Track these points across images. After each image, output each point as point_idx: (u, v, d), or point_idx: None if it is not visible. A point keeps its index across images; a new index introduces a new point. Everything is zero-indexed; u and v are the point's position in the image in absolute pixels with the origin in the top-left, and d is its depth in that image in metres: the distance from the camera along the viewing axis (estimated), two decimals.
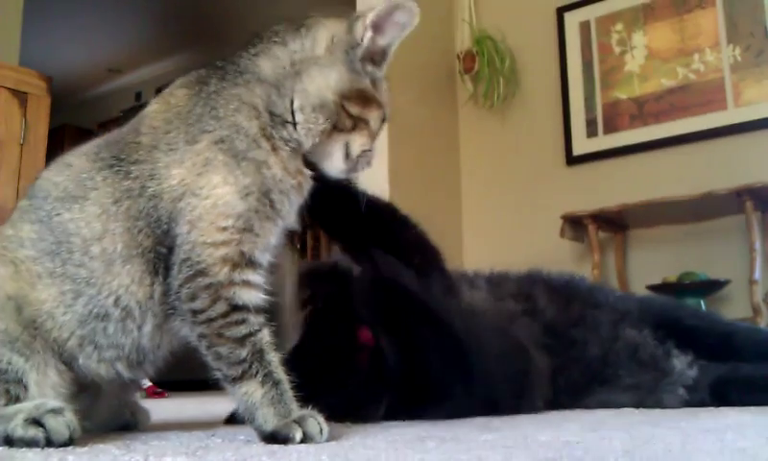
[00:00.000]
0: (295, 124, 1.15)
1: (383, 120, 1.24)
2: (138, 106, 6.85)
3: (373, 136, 1.22)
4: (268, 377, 1.04)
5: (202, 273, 1.05)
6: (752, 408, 1.50)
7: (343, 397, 1.41)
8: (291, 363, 1.14)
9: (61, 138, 7.76)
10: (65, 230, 1.10)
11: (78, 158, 1.17)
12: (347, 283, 1.50)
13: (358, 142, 1.19)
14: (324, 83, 1.16)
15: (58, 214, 1.11)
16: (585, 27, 4.35)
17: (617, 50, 4.23)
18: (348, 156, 1.20)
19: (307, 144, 1.16)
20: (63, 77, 7.56)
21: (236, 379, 1.04)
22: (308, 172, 1.18)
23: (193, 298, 1.06)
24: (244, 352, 1.04)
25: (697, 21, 3.99)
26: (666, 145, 3.97)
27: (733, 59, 3.85)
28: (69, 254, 1.09)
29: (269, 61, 1.17)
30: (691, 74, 3.97)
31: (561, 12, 4.44)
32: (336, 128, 1.17)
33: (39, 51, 6.77)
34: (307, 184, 1.18)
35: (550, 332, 1.59)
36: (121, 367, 1.13)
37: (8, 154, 2.93)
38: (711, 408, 1.55)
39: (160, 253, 1.09)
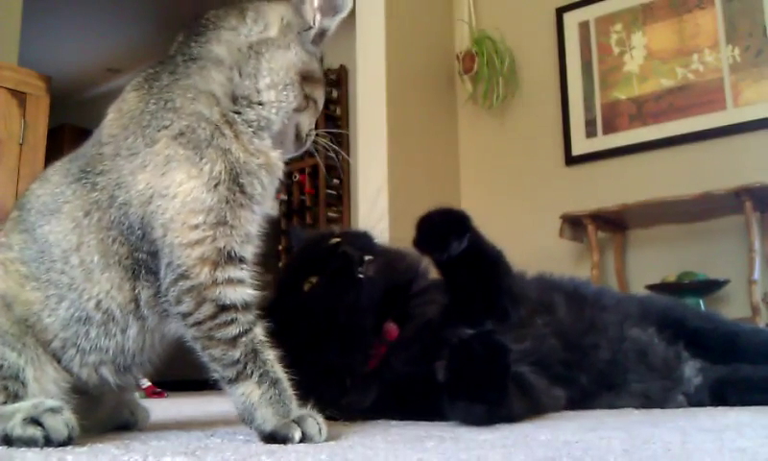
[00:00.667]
0: (262, 104, 1.16)
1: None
2: None
3: (317, 115, 1.26)
4: (264, 377, 1.04)
5: (183, 276, 1.05)
6: (751, 408, 1.50)
7: (341, 369, 1.45)
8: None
9: (61, 138, 7.77)
10: (47, 240, 1.11)
11: (54, 173, 1.18)
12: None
13: (307, 121, 1.23)
14: (288, 62, 1.18)
15: (39, 226, 1.12)
16: (584, 27, 4.35)
17: (616, 50, 4.23)
18: (298, 136, 1.23)
19: (278, 123, 1.17)
20: (63, 77, 7.57)
21: (232, 381, 1.04)
22: (277, 152, 1.17)
23: (179, 301, 1.05)
24: (237, 353, 1.04)
25: (696, 21, 3.99)
26: (665, 145, 3.97)
27: (732, 59, 3.86)
28: (51, 263, 1.10)
29: (222, 46, 1.17)
30: (690, 74, 3.97)
31: (560, 12, 4.44)
32: (294, 108, 1.20)
33: (38, 51, 6.77)
34: (278, 162, 1.17)
35: (568, 344, 1.57)
36: (106, 371, 1.12)
37: (7, 153, 2.92)
38: (711, 408, 1.55)
39: (139, 258, 1.08)
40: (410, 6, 4.37)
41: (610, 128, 4.18)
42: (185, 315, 1.05)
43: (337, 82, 6.41)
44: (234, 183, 1.08)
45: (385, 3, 4.10)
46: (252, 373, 1.03)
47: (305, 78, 1.20)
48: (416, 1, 4.49)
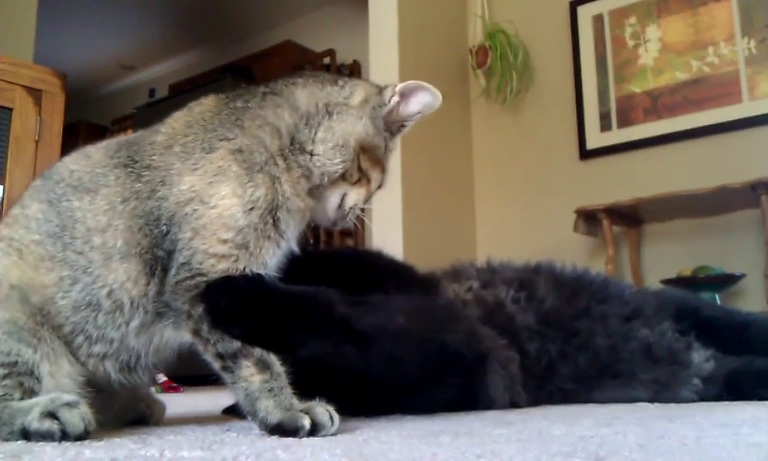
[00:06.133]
0: (312, 154, 1.19)
1: (380, 185, 1.31)
2: (152, 102, 6.89)
3: (369, 196, 1.29)
4: (264, 364, 1.04)
5: (202, 275, 1.07)
6: (767, 403, 1.49)
7: None
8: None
9: (76, 135, 7.82)
10: (72, 216, 1.12)
11: (97, 151, 1.20)
12: None
13: (354, 196, 1.25)
14: (351, 128, 1.22)
15: (68, 200, 1.13)
16: (598, 20, 4.33)
17: (631, 43, 4.20)
18: (340, 206, 1.25)
19: (316, 176, 1.20)
20: (77, 74, 7.61)
21: (232, 368, 1.05)
22: (311, 201, 1.21)
23: (193, 288, 1.07)
24: (238, 343, 1.05)
25: (711, 14, 3.96)
26: (681, 139, 3.94)
27: (748, 51, 3.82)
28: (72, 240, 1.11)
29: (304, 94, 1.23)
30: (706, 67, 3.94)
31: (574, 5, 4.42)
32: (343, 176, 1.23)
33: (53, 48, 6.82)
34: (308, 214, 1.21)
35: (547, 321, 1.59)
36: (110, 366, 1.13)
37: (23, 151, 2.94)
38: (727, 403, 1.54)
39: (157, 255, 1.10)
40: (423, 0, 4.35)
41: (624, 121, 4.15)
42: (191, 311, 1.06)
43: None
44: (269, 214, 1.11)
45: None
46: (249, 354, 1.04)
47: (365, 150, 1.23)
48: None
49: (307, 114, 1.21)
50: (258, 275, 1.11)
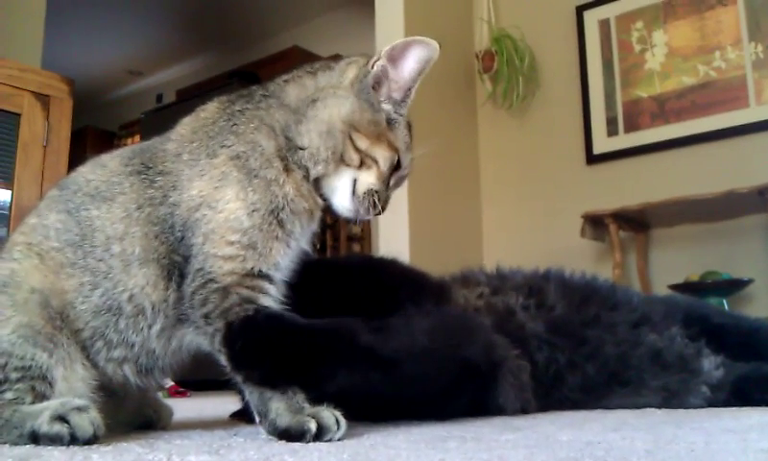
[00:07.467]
0: (302, 149, 1.18)
1: (395, 164, 1.23)
2: (160, 108, 6.91)
3: (382, 178, 1.21)
4: None
5: (212, 281, 1.08)
6: None
7: None
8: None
9: (84, 140, 7.85)
10: (91, 225, 1.13)
11: (112, 160, 1.22)
12: None
13: (364, 180, 1.20)
14: (336, 111, 1.18)
15: (86, 209, 1.15)
16: (604, 25, 4.32)
17: (637, 48, 4.20)
18: (354, 192, 1.19)
19: (313, 171, 1.18)
20: (85, 79, 7.64)
21: None
22: (320, 201, 1.20)
23: (205, 302, 1.08)
24: None
25: (718, 18, 3.95)
26: (688, 143, 3.93)
27: (755, 56, 3.81)
28: (92, 248, 1.12)
29: (296, 89, 1.22)
30: (712, 72, 3.93)
31: (580, 10, 4.41)
32: (343, 161, 1.18)
33: (61, 54, 6.84)
34: (317, 212, 1.20)
35: (556, 329, 1.58)
36: (129, 370, 1.14)
37: (31, 156, 2.95)
38: (734, 408, 1.53)
39: (175, 260, 1.12)
40: (429, 5, 4.36)
41: (631, 126, 4.14)
42: (209, 314, 1.07)
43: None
44: (273, 216, 1.12)
45: (404, 2, 4.09)
46: None
47: (358, 129, 1.18)
48: (434, 1, 4.48)
49: (296, 109, 1.20)
50: (277, 313, 1.11)
